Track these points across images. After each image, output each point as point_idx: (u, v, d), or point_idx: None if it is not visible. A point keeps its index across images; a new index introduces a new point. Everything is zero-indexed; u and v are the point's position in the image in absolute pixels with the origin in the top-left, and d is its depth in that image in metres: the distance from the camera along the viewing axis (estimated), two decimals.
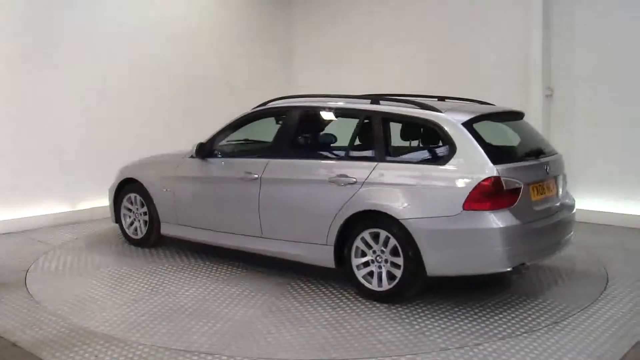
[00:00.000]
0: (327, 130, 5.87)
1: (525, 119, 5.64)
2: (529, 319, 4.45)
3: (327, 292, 5.12)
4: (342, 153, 5.35)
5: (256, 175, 5.53)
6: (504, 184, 4.45)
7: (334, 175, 5.05)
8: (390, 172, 4.84)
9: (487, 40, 8.62)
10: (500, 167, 4.48)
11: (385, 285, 4.77)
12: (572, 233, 5.27)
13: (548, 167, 4.92)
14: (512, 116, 5.48)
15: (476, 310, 4.63)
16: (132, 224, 6.77)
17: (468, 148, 4.59)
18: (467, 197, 4.44)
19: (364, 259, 4.87)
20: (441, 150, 4.81)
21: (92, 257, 6.31)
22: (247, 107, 6.25)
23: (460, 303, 4.77)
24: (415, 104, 5.04)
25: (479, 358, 3.79)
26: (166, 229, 6.42)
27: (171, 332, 4.25)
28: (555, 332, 4.18)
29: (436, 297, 4.87)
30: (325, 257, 5.10)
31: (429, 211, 4.59)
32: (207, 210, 6.06)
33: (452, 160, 4.60)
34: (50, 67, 7.88)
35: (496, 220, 4.40)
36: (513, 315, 4.53)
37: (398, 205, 4.69)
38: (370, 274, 4.85)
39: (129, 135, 8.72)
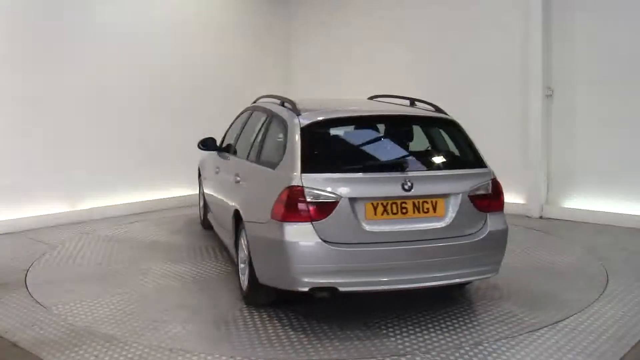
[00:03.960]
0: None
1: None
2: (529, 319, 4.44)
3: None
4: (250, 152, 5.40)
5: (217, 170, 6.09)
6: (306, 196, 4.00)
7: (235, 173, 5.30)
8: (250, 172, 4.98)
9: (487, 40, 8.63)
10: (311, 176, 4.05)
11: (246, 287, 4.73)
12: (480, 264, 4.35)
13: (409, 184, 4.13)
14: (413, 122, 4.94)
15: (475, 311, 4.63)
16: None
17: (291, 153, 4.27)
18: (273, 205, 4.13)
19: (243, 257, 4.82)
20: (280, 153, 4.46)
21: (92, 257, 6.32)
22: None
23: (459, 305, 4.77)
24: (291, 105, 4.71)
25: (479, 358, 3.79)
26: (209, 215, 6.97)
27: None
28: (555, 332, 4.18)
29: (431, 298, 4.86)
30: (233, 250, 5.26)
31: (255, 215, 4.46)
32: (209, 200, 6.71)
33: (279, 165, 4.37)
34: (50, 67, 7.88)
35: (289, 234, 3.99)
36: (513, 315, 4.52)
37: (244, 207, 4.77)
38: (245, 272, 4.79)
39: (129, 135, 8.73)
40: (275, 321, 4.43)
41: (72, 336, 4.17)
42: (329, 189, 4.04)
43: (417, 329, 4.28)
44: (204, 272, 5.74)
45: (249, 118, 5.94)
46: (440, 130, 4.90)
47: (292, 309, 4.62)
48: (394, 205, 4.14)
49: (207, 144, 6.43)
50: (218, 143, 6.49)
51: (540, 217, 8.10)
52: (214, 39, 9.96)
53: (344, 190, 4.05)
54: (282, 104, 4.95)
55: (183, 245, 6.81)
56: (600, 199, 7.73)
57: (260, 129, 5.30)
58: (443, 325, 4.34)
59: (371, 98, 5.76)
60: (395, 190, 4.14)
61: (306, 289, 4.04)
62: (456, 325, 4.34)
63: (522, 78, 8.21)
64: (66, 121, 8.07)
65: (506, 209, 7.90)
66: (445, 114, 4.92)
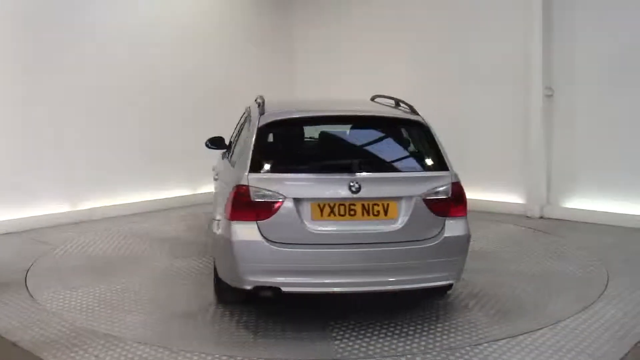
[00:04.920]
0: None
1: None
2: (529, 319, 4.43)
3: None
4: (229, 151, 5.46)
5: (215, 169, 6.22)
6: (251, 195, 4.01)
7: (216, 172, 5.58)
8: (222, 171, 5.18)
9: (487, 39, 8.62)
10: (258, 176, 4.07)
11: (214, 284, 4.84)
12: (436, 271, 4.19)
13: (356, 185, 4.03)
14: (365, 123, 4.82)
15: (476, 311, 4.62)
16: None
17: (246, 152, 4.28)
18: (226, 204, 4.20)
19: None
20: (241, 152, 4.50)
21: (92, 257, 6.32)
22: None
23: (458, 306, 4.77)
24: (262, 105, 4.65)
25: (479, 358, 3.79)
26: None
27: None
28: (556, 332, 4.17)
29: (409, 304, 4.84)
30: None
31: (216, 213, 4.56)
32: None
33: (236, 164, 4.45)
34: (51, 67, 7.89)
35: (234, 233, 4.01)
36: (513, 315, 4.51)
37: (213, 205, 4.95)
38: None
39: (129, 135, 8.75)
40: (234, 319, 4.47)
41: (73, 336, 4.17)
42: (273, 189, 4.02)
43: (376, 334, 4.17)
44: (202, 268, 5.75)
45: (242, 118, 5.97)
46: (404, 131, 4.75)
47: (258, 308, 4.60)
48: (341, 207, 4.06)
49: (214, 142, 6.38)
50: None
51: (541, 217, 8.09)
52: (216, 38, 9.95)
53: (288, 190, 4.03)
54: (260, 105, 4.91)
55: (192, 242, 6.84)
56: (600, 199, 7.72)
57: (240, 128, 5.39)
58: (445, 325, 4.31)
59: (373, 99, 5.76)
60: (342, 191, 4.06)
61: (250, 288, 4.05)
62: (456, 326, 4.32)
63: (522, 78, 8.20)
64: (67, 121, 8.08)
65: (507, 209, 8.06)
66: (417, 114, 4.69)
